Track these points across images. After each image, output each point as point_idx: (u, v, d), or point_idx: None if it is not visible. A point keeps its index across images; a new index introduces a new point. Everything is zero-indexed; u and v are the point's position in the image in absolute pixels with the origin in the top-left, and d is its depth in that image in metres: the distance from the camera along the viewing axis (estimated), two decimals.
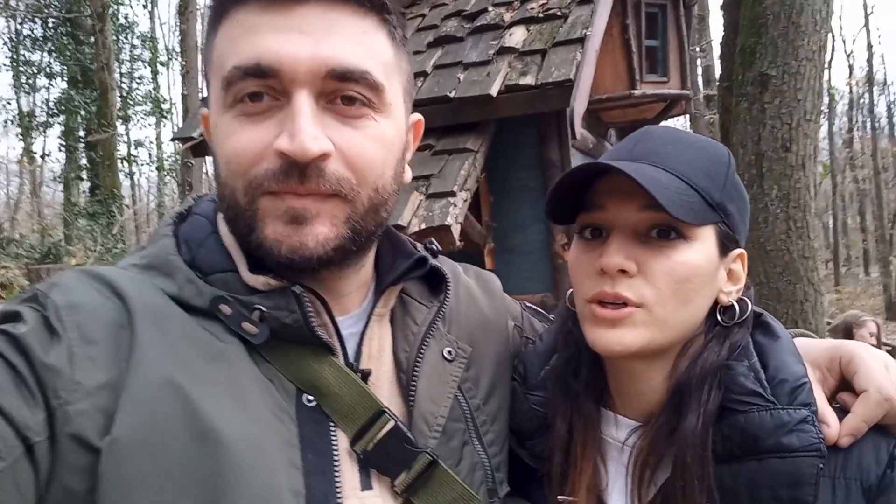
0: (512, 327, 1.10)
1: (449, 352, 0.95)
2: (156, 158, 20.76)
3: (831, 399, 0.91)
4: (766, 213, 3.06)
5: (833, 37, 19.38)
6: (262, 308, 0.78)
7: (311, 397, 0.80)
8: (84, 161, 15.50)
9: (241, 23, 0.76)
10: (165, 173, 19.57)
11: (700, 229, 0.88)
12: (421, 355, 0.91)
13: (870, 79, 20.05)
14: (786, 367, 0.87)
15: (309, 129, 0.72)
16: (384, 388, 0.87)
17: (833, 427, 0.86)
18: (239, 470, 0.68)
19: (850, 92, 20.53)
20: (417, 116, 0.94)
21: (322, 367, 0.81)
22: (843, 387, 0.93)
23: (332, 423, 0.80)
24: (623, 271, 0.86)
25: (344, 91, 0.77)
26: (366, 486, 0.80)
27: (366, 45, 0.78)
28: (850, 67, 20.26)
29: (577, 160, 4.38)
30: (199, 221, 0.88)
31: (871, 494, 0.83)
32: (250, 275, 0.81)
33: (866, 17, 18.60)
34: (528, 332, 1.12)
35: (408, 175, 0.89)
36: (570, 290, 0.99)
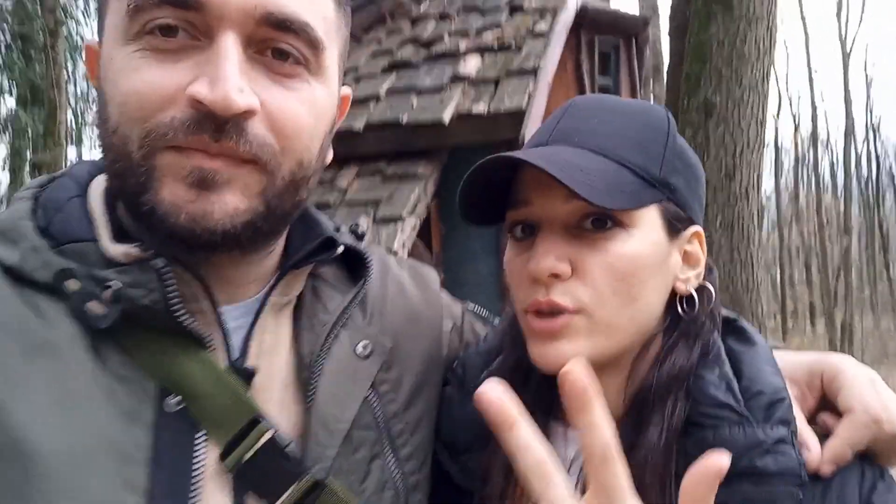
0: (450, 328, 0.96)
1: (364, 346, 0.80)
2: None
3: (810, 421, 0.79)
4: (710, 243, 2.95)
5: (780, 96, 20.28)
6: (117, 284, 0.64)
7: (176, 399, 0.66)
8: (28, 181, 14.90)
9: None
10: None
11: (639, 213, 0.76)
12: (327, 347, 0.76)
13: (814, 137, 20.99)
14: (762, 378, 0.75)
15: (234, 78, 0.62)
16: (275, 392, 0.74)
17: (814, 452, 0.73)
18: (47, 492, 0.56)
19: (796, 149, 21.44)
20: (347, 90, 0.82)
21: (190, 363, 0.68)
22: (823, 406, 0.80)
23: (202, 434, 0.67)
24: (556, 275, 0.75)
25: (278, 43, 0.65)
26: None
27: None
28: (796, 125, 21.20)
29: None
30: (65, 183, 0.74)
31: None
32: (111, 244, 0.68)
33: (810, 78, 19.53)
34: (468, 335, 0.99)
35: (329, 155, 0.78)
36: None
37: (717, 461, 0.51)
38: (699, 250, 0.83)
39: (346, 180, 4.00)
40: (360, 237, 0.90)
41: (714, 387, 0.75)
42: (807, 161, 22.10)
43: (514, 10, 4.76)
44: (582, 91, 5.44)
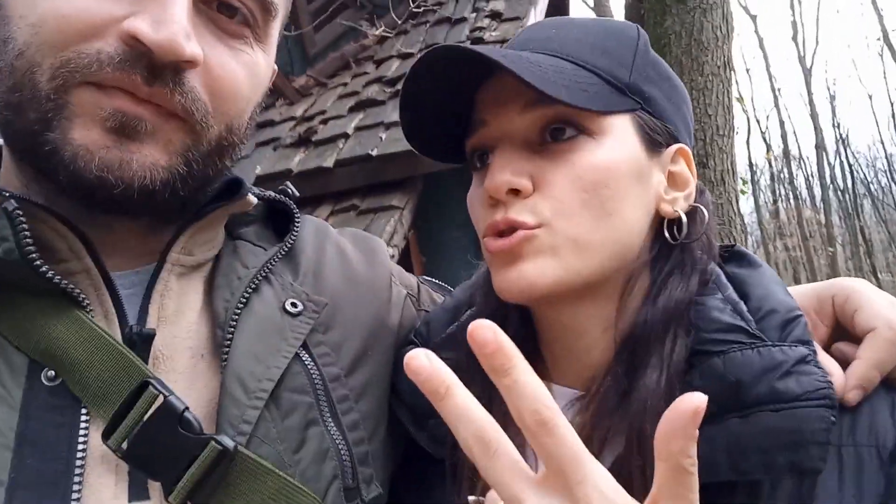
0: (404, 295, 0.88)
1: (293, 304, 0.71)
2: None
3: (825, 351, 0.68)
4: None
5: (748, 116, 20.75)
6: None
7: (52, 373, 0.57)
8: None
9: None
10: None
11: (608, 120, 0.67)
12: (243, 302, 0.67)
13: (786, 152, 21.38)
14: (773, 297, 0.65)
15: (183, 22, 0.56)
16: (181, 361, 0.64)
17: (838, 377, 0.63)
18: None
19: (770, 167, 21.81)
20: (275, 66, 0.76)
21: (64, 328, 0.58)
22: (838, 337, 0.71)
23: (83, 409, 0.57)
24: (515, 191, 0.65)
25: None
26: (137, 495, 0.57)
27: None
28: (767, 144, 21.61)
29: None
30: None
31: (891, 461, 0.61)
32: None
33: (775, 97, 20.02)
34: (425, 304, 0.91)
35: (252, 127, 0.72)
36: None
37: (691, 400, 0.41)
38: (686, 170, 0.73)
39: (321, 218, 3.95)
40: (289, 196, 0.82)
41: (718, 311, 0.65)
42: (783, 177, 22.48)
43: (476, 42, 4.83)
44: None
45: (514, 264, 0.67)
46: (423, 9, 4.94)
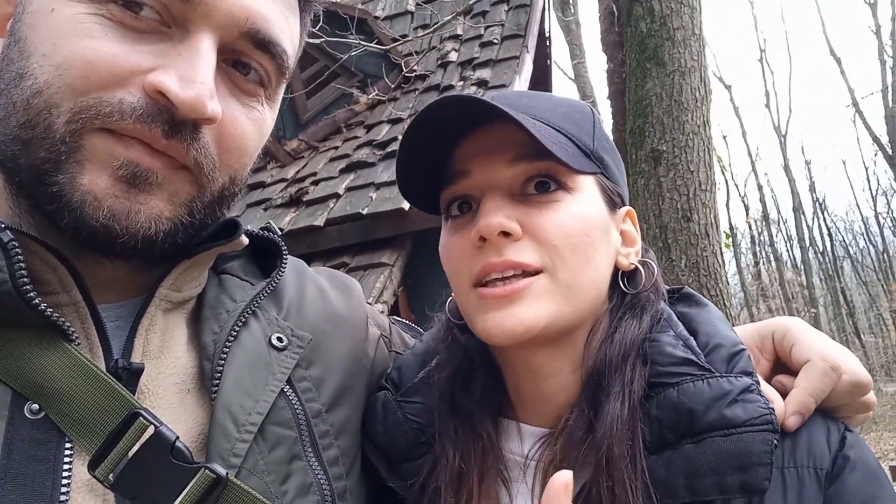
0: (377, 336, 0.90)
1: (279, 338, 0.72)
2: None
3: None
4: (677, 285, 2.96)
5: (727, 181, 21.31)
6: None
7: (35, 406, 0.56)
8: None
9: None
10: None
11: (581, 180, 0.75)
12: (234, 335, 0.68)
13: (765, 215, 21.88)
14: (719, 333, 0.73)
15: (210, 82, 0.58)
16: (166, 396, 0.64)
17: (778, 405, 0.71)
18: None
19: (750, 229, 22.25)
20: None
21: (50, 360, 0.57)
22: (778, 371, 0.79)
23: (68, 442, 0.57)
24: (506, 234, 0.71)
25: (250, 58, 0.63)
26: None
27: (288, 24, 0.67)
28: (746, 208, 22.16)
29: None
30: None
31: (827, 481, 0.68)
32: None
33: (752, 163, 20.69)
34: (396, 345, 0.93)
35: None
36: (450, 297, 0.82)
37: (561, 477, 0.56)
38: (633, 229, 0.82)
39: None
40: (274, 233, 0.84)
41: (671, 346, 0.72)
42: (762, 239, 22.93)
43: None
44: None
45: (508, 307, 0.71)
46: (414, 74, 5.12)
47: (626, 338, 0.74)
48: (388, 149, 4.69)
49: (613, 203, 0.79)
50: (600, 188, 0.77)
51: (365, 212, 3.99)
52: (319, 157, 4.98)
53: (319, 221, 3.96)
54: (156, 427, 0.58)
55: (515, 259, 0.71)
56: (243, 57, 0.63)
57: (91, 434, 0.57)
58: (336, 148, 5.05)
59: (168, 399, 0.65)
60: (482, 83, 5.13)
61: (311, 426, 0.71)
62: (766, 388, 0.73)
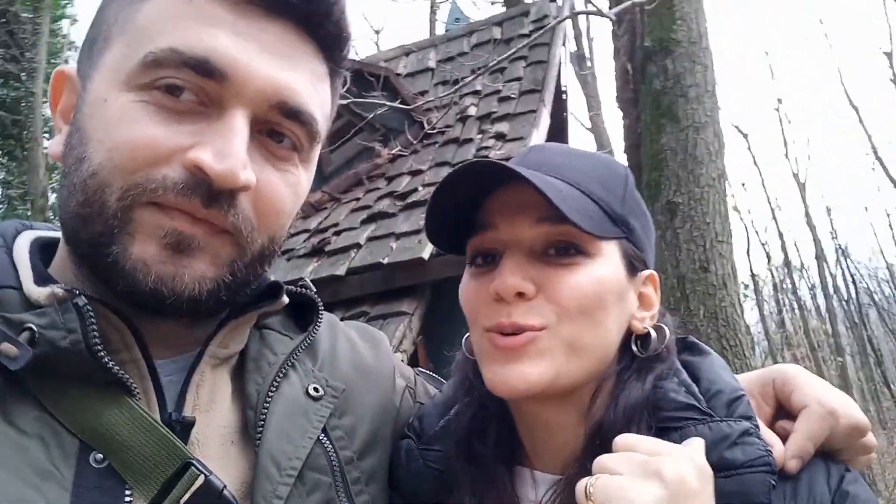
0: (403, 387, 0.96)
1: (315, 388, 0.79)
2: None
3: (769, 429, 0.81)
4: (696, 335, 2.94)
5: (746, 228, 21.20)
6: (34, 326, 0.60)
7: (100, 455, 0.62)
8: None
9: (194, 2, 0.65)
10: None
11: (602, 245, 0.80)
12: (275, 386, 0.75)
13: (787, 263, 21.65)
14: (720, 380, 0.79)
15: (243, 155, 0.64)
16: (214, 447, 0.70)
17: (778, 449, 0.76)
18: None
19: (773, 277, 21.97)
20: None
21: (114, 413, 0.63)
22: (780, 417, 0.84)
23: (127, 489, 0.62)
24: (521, 294, 0.77)
25: (281, 127, 0.69)
26: None
27: (317, 91, 0.72)
28: (768, 255, 21.96)
29: None
30: None
31: None
32: (34, 287, 0.65)
33: (772, 210, 20.66)
34: (420, 396, 0.99)
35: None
36: (467, 335, 0.88)
37: None
38: (653, 293, 0.87)
39: None
40: (310, 290, 0.90)
41: (675, 392, 0.77)
42: (785, 286, 22.61)
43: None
44: None
45: (514, 363, 0.76)
46: (435, 130, 5.25)
47: (629, 402, 0.78)
48: (409, 199, 4.78)
49: (634, 268, 0.83)
50: (622, 252, 0.82)
51: (385, 261, 4.06)
52: (342, 209, 5.09)
53: (341, 271, 4.03)
54: (206, 476, 0.63)
55: (521, 322, 0.77)
56: (276, 126, 0.69)
57: (149, 482, 0.62)
58: (358, 199, 5.16)
59: (215, 450, 0.71)
60: (500, 136, 5.24)
61: (344, 473, 0.77)
62: (765, 431, 0.77)
